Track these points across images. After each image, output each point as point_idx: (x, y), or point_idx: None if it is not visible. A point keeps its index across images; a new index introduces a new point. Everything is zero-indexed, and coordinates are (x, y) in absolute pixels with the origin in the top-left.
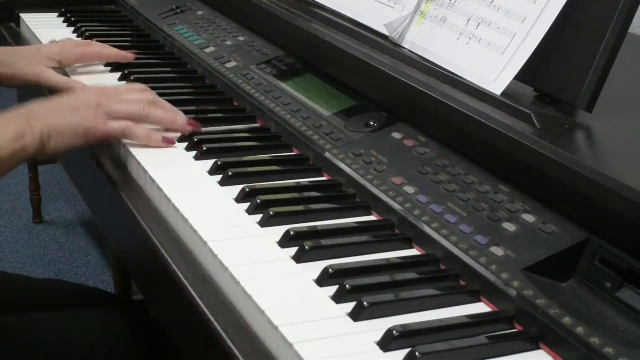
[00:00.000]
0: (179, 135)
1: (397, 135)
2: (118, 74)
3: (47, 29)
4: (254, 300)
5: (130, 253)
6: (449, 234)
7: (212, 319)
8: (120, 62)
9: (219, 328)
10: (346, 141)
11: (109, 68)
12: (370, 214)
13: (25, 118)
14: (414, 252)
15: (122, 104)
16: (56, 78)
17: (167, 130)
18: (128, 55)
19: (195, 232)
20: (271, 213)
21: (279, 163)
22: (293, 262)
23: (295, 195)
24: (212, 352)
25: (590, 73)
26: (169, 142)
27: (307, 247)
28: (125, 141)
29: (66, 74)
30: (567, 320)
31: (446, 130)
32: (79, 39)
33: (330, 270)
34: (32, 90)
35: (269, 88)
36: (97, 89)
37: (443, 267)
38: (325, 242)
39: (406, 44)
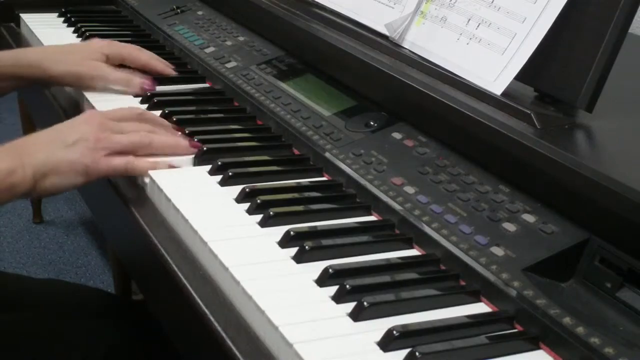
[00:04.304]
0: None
1: (397, 135)
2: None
3: (47, 29)
4: (254, 300)
5: (130, 253)
6: (449, 234)
7: (212, 319)
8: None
9: (219, 328)
10: (346, 141)
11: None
12: (370, 214)
13: (17, 153)
14: (414, 252)
15: (121, 136)
16: (114, 75)
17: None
18: (171, 72)
19: (195, 232)
20: (271, 213)
21: (279, 163)
22: (293, 262)
23: (295, 195)
24: (212, 352)
25: (590, 73)
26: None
27: (307, 247)
28: None
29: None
30: (567, 320)
31: (446, 130)
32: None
33: (330, 270)
34: (30, 89)
35: (269, 88)
36: (97, 119)
37: (443, 267)
38: (325, 242)
39: (406, 44)
